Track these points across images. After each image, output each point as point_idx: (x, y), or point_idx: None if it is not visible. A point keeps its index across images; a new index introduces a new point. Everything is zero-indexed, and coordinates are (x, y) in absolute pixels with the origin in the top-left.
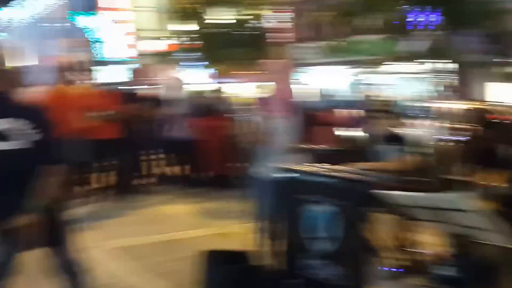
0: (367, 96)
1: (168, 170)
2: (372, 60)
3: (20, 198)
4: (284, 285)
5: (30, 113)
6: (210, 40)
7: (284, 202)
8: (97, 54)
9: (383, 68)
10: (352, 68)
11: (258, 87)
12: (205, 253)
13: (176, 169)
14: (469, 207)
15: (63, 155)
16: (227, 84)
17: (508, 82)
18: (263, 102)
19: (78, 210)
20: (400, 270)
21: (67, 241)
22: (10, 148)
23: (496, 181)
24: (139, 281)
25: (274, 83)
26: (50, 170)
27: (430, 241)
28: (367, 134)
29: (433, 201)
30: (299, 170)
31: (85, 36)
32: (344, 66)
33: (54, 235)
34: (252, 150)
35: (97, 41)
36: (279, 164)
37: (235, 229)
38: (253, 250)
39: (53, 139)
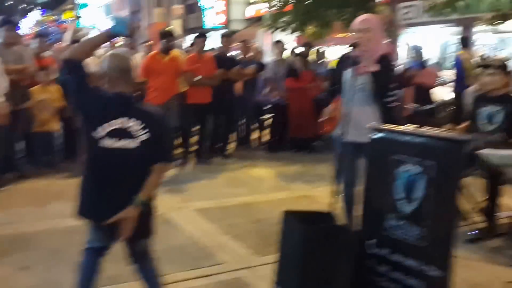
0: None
1: (253, 134)
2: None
3: (134, 193)
4: (366, 245)
5: (147, 115)
6: (303, 2)
7: (373, 162)
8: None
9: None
10: (455, 26)
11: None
12: (283, 214)
13: (261, 133)
14: None
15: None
16: (321, 47)
17: None
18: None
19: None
20: (480, 232)
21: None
22: (135, 146)
23: None
24: (215, 243)
25: (366, 40)
26: (160, 168)
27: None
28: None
29: None
30: (389, 129)
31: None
32: (446, 25)
33: (145, 227)
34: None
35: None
36: (366, 124)
37: (318, 192)
38: (333, 212)
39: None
